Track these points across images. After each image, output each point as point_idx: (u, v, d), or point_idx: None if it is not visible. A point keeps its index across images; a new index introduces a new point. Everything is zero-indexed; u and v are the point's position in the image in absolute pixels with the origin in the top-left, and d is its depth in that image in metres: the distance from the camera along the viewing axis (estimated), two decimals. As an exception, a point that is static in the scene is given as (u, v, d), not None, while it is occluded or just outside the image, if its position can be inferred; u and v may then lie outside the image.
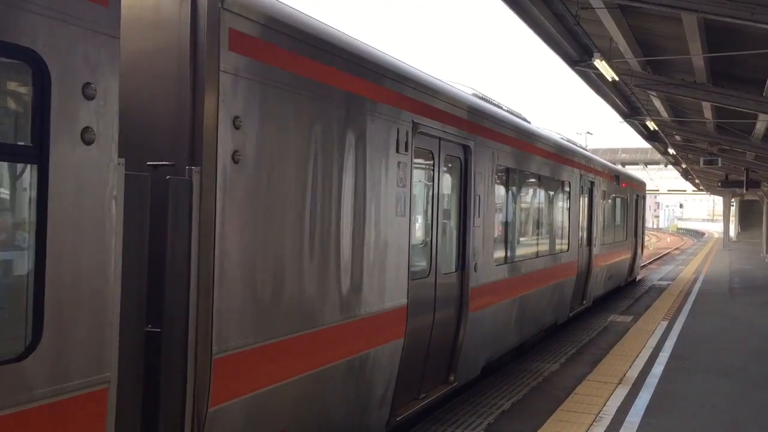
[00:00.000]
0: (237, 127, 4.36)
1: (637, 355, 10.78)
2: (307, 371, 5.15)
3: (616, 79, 11.71)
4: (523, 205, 11.10)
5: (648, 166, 63.09)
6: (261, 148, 4.61)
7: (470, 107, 8.34)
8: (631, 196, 20.82)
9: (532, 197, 11.49)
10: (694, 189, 63.10)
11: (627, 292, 20.40)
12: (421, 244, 7.44)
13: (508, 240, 10.11)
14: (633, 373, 9.57)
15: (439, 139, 7.47)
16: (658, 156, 54.11)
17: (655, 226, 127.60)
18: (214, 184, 4.19)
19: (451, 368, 8.12)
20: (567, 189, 13.16)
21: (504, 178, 9.87)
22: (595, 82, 16.30)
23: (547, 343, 11.86)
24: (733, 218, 61.60)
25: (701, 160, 21.30)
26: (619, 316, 15.13)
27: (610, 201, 17.91)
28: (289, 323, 4.91)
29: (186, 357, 4.08)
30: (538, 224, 11.62)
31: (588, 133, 58.12)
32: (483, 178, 8.61)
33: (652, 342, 11.92)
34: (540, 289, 11.25)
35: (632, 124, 22.83)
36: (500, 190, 9.73)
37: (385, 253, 6.25)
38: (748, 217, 62.98)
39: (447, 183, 7.99)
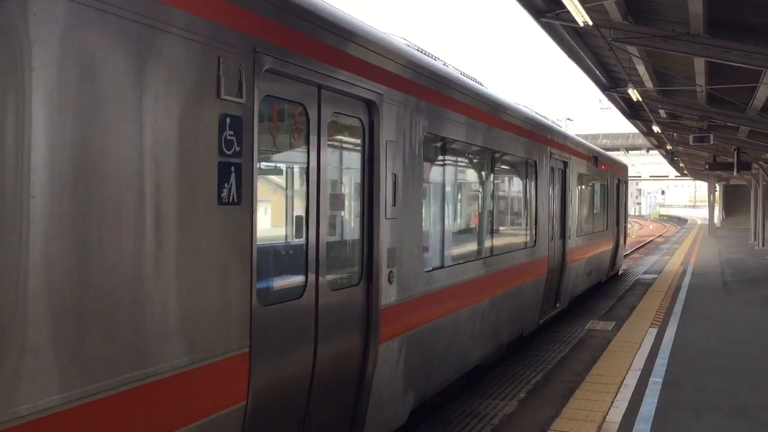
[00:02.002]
0: None
1: (621, 383, 8.24)
2: None
3: (589, 23, 9.15)
4: (471, 189, 8.56)
5: (629, 151, 61.35)
6: None
7: (378, 46, 5.72)
8: (612, 181, 18.58)
9: (485, 179, 8.92)
10: (677, 174, 61.38)
11: (608, 289, 17.98)
12: (286, 248, 4.86)
13: (446, 235, 7.56)
14: (616, 415, 7.02)
15: (318, 86, 4.87)
16: (640, 141, 52.16)
17: (637, 213, 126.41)
18: None
19: (354, 426, 5.60)
20: (533, 170, 10.67)
21: (439, 151, 7.32)
22: (566, 41, 13.72)
23: (507, 365, 9.32)
24: (717, 204, 59.65)
25: (691, 137, 18.87)
26: (599, 322, 12.63)
27: (587, 185, 15.59)
28: None
29: None
30: (492, 213, 9.05)
31: (568, 119, 56.67)
32: (402, 149, 6.02)
33: (639, 361, 9.39)
34: (497, 296, 8.71)
35: (612, 98, 20.35)
36: (434, 169, 7.19)
37: (187, 267, 3.64)
38: (732, 202, 61.16)
39: (337, 154, 5.41)
